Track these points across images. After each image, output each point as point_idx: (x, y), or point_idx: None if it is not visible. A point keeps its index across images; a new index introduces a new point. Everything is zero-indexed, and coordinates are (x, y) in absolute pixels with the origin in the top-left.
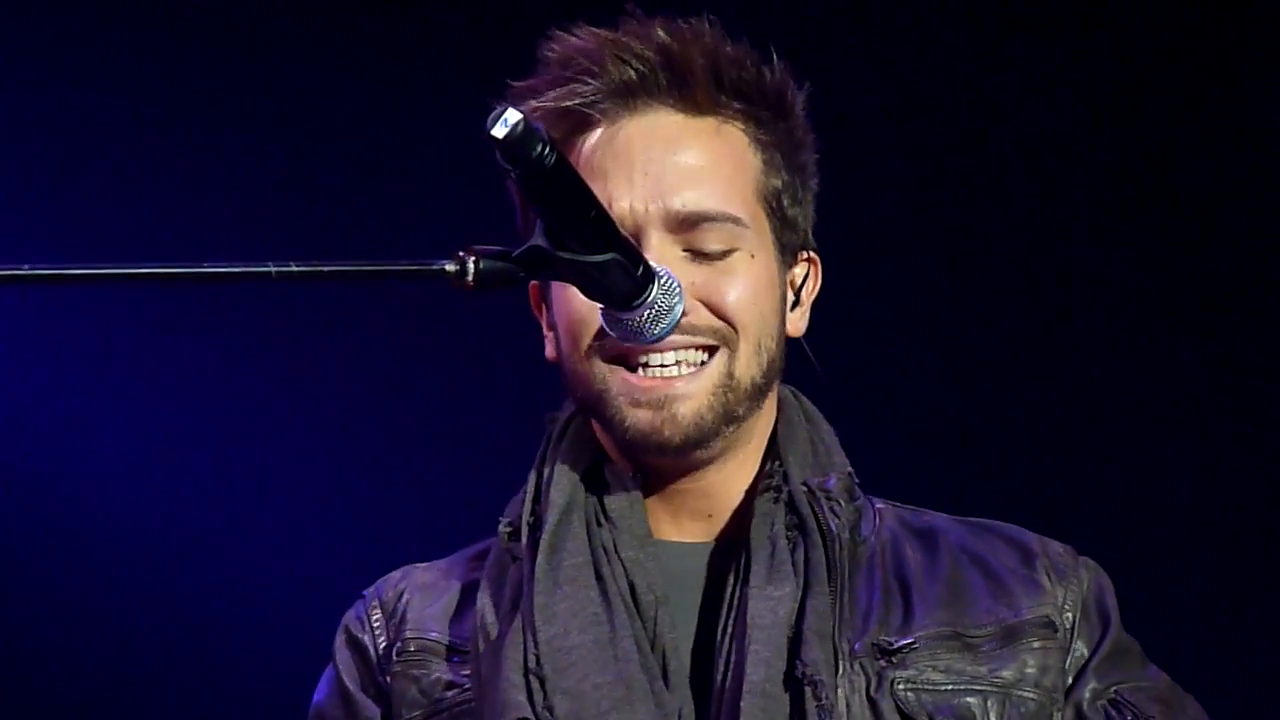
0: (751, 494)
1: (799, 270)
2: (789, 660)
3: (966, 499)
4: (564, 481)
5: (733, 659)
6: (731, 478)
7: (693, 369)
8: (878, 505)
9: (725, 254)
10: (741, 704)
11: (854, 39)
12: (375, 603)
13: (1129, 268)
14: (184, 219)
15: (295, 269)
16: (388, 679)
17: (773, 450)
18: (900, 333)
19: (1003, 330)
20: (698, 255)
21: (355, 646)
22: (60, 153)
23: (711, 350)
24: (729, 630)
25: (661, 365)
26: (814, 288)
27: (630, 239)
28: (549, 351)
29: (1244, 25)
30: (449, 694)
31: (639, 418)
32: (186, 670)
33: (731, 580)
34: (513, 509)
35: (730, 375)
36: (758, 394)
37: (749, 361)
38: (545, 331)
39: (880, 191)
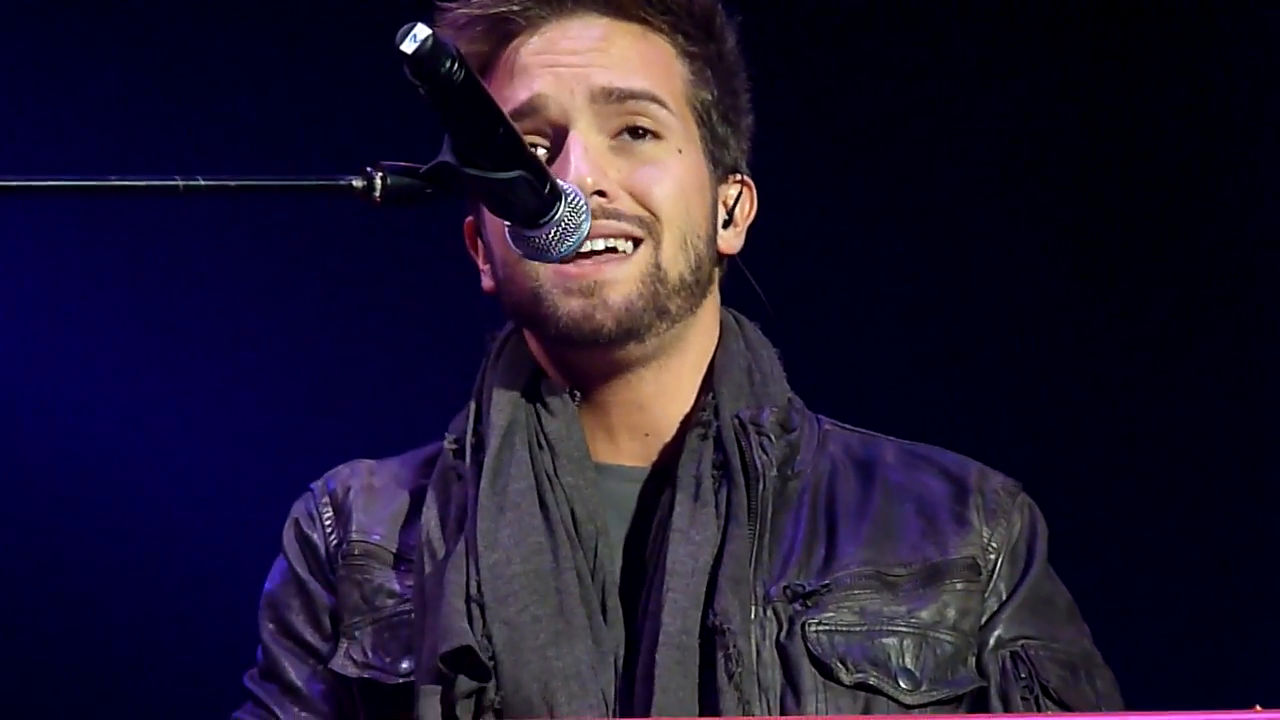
0: (687, 424)
1: (731, 190)
2: (704, 608)
3: (914, 426)
4: (503, 402)
5: (652, 604)
6: (667, 393)
7: (620, 257)
8: (825, 428)
9: (653, 138)
10: (657, 655)
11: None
12: (325, 498)
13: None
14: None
15: (203, 183)
16: (335, 578)
17: (709, 381)
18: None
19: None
20: (623, 145)
21: (305, 542)
22: None
23: (637, 241)
24: (651, 573)
25: (592, 252)
26: (749, 211)
27: (537, 155)
28: (486, 284)
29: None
30: (389, 602)
31: (571, 306)
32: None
33: (659, 515)
34: (457, 424)
35: (657, 265)
36: (687, 291)
37: (674, 254)
38: (481, 265)
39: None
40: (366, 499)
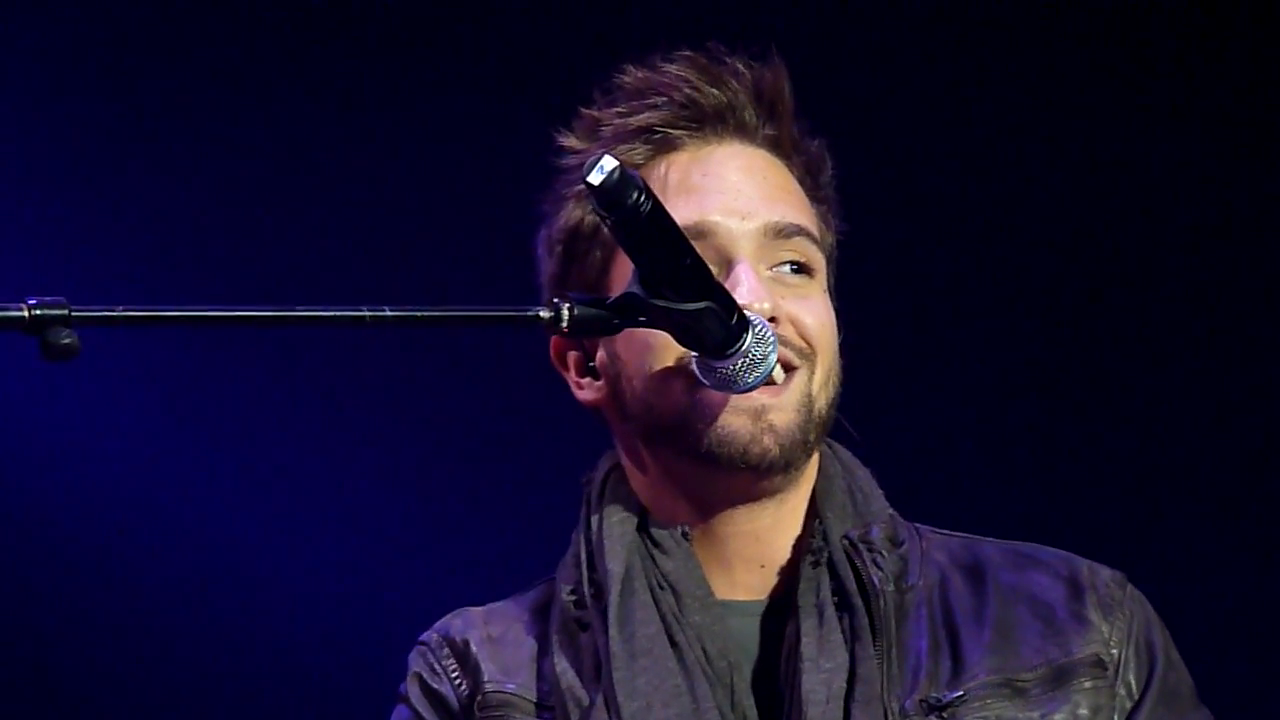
0: (799, 550)
1: None
2: None
3: (1000, 519)
4: (616, 547)
5: None
6: (783, 523)
7: (780, 387)
8: (925, 537)
9: (810, 274)
10: None
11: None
12: (445, 649)
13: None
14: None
15: (389, 314)
16: None
17: (814, 508)
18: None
19: (1026, 340)
20: (780, 278)
21: (433, 696)
22: (126, 193)
23: (791, 370)
24: (788, 706)
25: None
26: None
27: (725, 289)
28: (586, 396)
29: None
30: None
31: (736, 426)
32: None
33: (786, 647)
34: (566, 573)
35: (809, 395)
36: (824, 427)
37: (822, 387)
38: (577, 379)
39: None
40: (491, 649)
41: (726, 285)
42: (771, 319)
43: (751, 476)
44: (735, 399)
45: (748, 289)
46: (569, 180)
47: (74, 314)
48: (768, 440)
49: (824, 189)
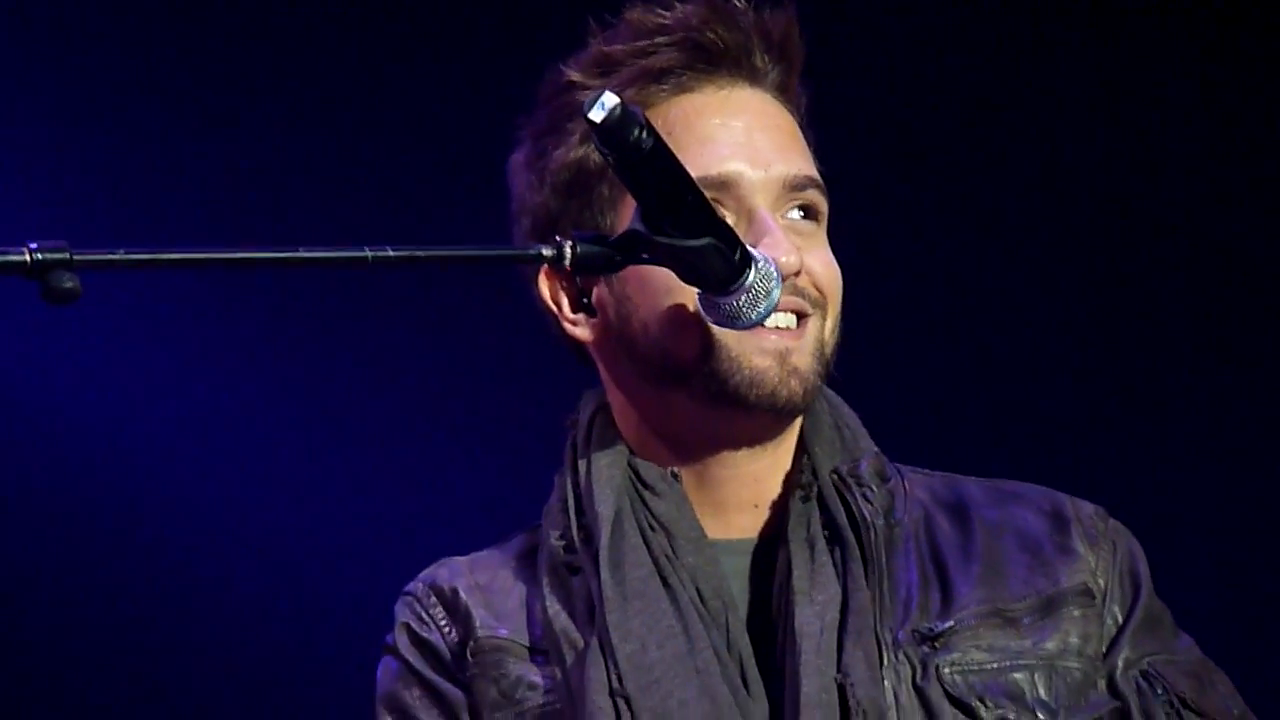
0: (789, 486)
1: None
2: (838, 663)
3: (985, 465)
4: (606, 491)
5: (788, 669)
6: (779, 464)
7: (798, 331)
8: (906, 476)
9: (818, 220)
10: (802, 719)
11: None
12: (434, 599)
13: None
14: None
15: (392, 254)
16: (467, 676)
17: (802, 444)
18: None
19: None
20: (792, 225)
21: (423, 645)
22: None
23: (803, 317)
24: (782, 639)
25: (776, 326)
26: None
27: (728, 221)
28: (580, 334)
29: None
30: (531, 695)
31: (764, 368)
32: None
33: (778, 582)
34: (554, 518)
35: (822, 341)
36: (828, 373)
37: (831, 333)
38: (570, 316)
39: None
40: (481, 595)
41: (751, 237)
42: (796, 273)
43: (772, 418)
44: (757, 341)
45: (775, 242)
46: (573, 114)
47: (75, 258)
48: (794, 383)
49: (811, 131)
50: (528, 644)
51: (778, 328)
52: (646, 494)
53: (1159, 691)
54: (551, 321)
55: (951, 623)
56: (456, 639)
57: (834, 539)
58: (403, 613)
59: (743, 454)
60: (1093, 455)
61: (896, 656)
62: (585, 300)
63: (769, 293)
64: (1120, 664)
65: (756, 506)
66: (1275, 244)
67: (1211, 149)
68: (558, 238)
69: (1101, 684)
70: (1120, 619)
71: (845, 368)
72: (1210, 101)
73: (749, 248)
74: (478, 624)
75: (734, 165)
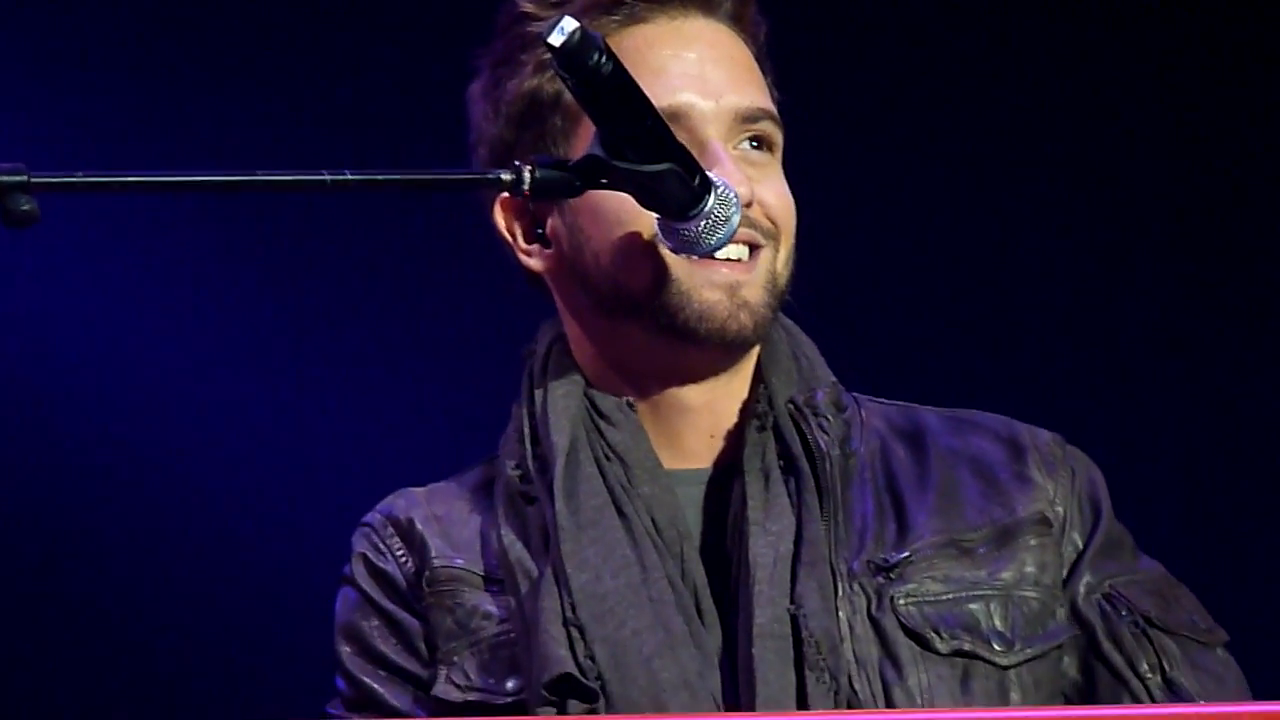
0: (745, 416)
1: None
2: (791, 594)
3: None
4: (561, 420)
5: (741, 599)
6: (735, 393)
7: (749, 264)
8: (863, 405)
9: (771, 150)
10: (754, 649)
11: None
12: (391, 530)
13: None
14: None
15: (350, 177)
16: (423, 606)
17: (759, 374)
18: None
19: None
20: (744, 155)
21: (379, 575)
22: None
23: (756, 249)
24: (736, 570)
25: (727, 259)
26: None
27: (687, 147)
28: (534, 264)
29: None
30: (486, 624)
31: (713, 301)
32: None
33: (733, 511)
34: (510, 449)
35: (774, 273)
36: (781, 303)
37: (784, 265)
38: (524, 246)
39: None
40: (437, 526)
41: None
42: (748, 204)
43: (722, 351)
44: (707, 274)
45: (725, 173)
46: (526, 45)
47: (33, 180)
48: (744, 316)
49: (767, 61)
50: (483, 574)
51: (729, 259)
52: (602, 424)
53: (1123, 613)
54: (509, 252)
55: (907, 553)
56: (413, 569)
57: (789, 469)
58: (360, 543)
59: (696, 385)
60: (1069, 390)
61: (851, 587)
62: (540, 231)
63: (728, 219)
64: (1082, 589)
65: (712, 436)
66: (1275, 244)
67: (1202, 137)
68: (517, 162)
69: (1061, 612)
70: (1080, 545)
71: (825, 306)
72: (1210, 101)
73: (709, 174)
74: (434, 554)
75: (685, 96)
